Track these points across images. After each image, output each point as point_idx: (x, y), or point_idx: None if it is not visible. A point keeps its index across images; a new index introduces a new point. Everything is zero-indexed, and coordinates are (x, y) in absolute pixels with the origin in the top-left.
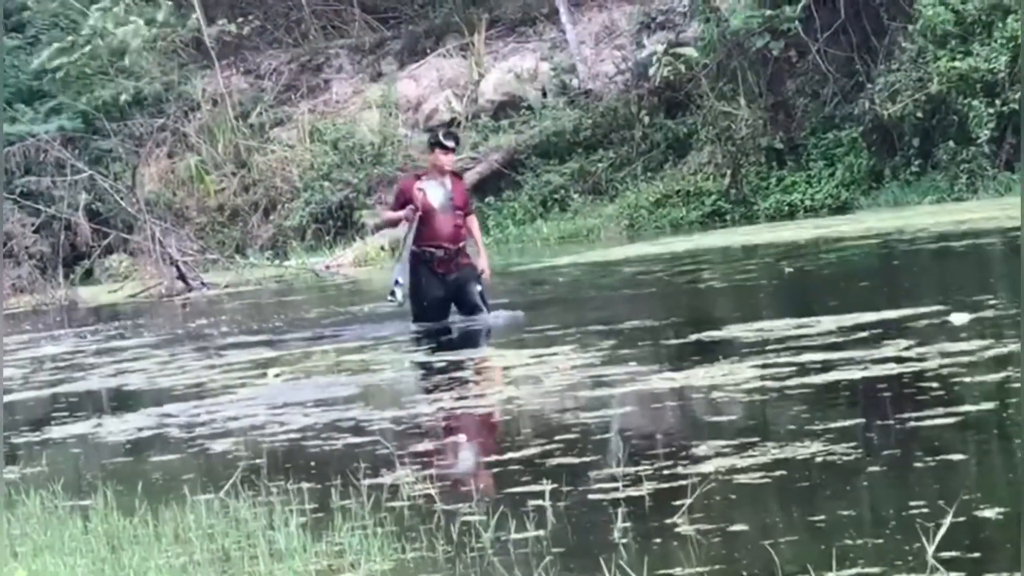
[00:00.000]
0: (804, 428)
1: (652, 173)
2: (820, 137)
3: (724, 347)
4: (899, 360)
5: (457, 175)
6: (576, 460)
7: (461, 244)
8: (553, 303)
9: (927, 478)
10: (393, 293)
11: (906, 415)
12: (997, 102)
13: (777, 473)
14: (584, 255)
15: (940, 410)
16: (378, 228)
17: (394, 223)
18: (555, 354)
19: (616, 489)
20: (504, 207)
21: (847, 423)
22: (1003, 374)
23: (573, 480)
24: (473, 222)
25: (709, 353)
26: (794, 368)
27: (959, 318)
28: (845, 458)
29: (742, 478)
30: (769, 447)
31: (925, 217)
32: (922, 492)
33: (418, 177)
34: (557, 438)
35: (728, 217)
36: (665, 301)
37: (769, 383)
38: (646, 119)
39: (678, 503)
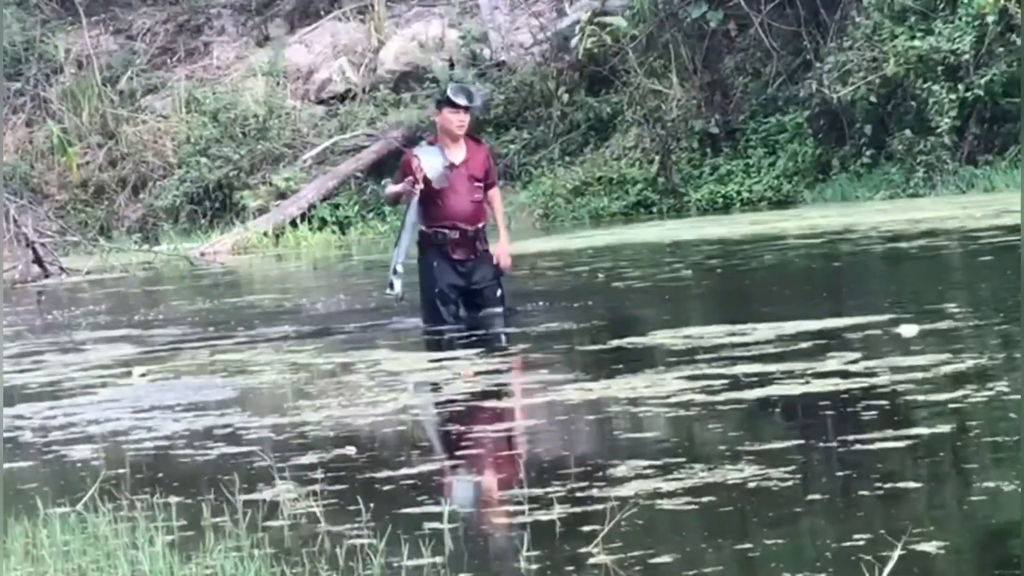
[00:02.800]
0: (736, 449)
1: (571, 157)
2: (761, 122)
3: (648, 355)
4: (844, 375)
5: (475, 139)
6: (479, 478)
7: (480, 224)
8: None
9: (872, 507)
10: (391, 285)
11: (851, 437)
12: (960, 87)
13: (705, 499)
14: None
15: (889, 432)
16: (387, 204)
17: (395, 199)
18: (457, 358)
19: (523, 512)
20: None
21: (784, 444)
22: (959, 392)
23: (475, 501)
24: (496, 197)
25: (631, 362)
26: (726, 381)
27: (908, 330)
28: (781, 484)
29: (665, 503)
30: (696, 469)
31: (876, 214)
32: (866, 523)
33: (431, 144)
34: (458, 453)
35: (655, 209)
36: (582, 302)
37: (698, 397)
38: (565, 96)
39: (593, 529)
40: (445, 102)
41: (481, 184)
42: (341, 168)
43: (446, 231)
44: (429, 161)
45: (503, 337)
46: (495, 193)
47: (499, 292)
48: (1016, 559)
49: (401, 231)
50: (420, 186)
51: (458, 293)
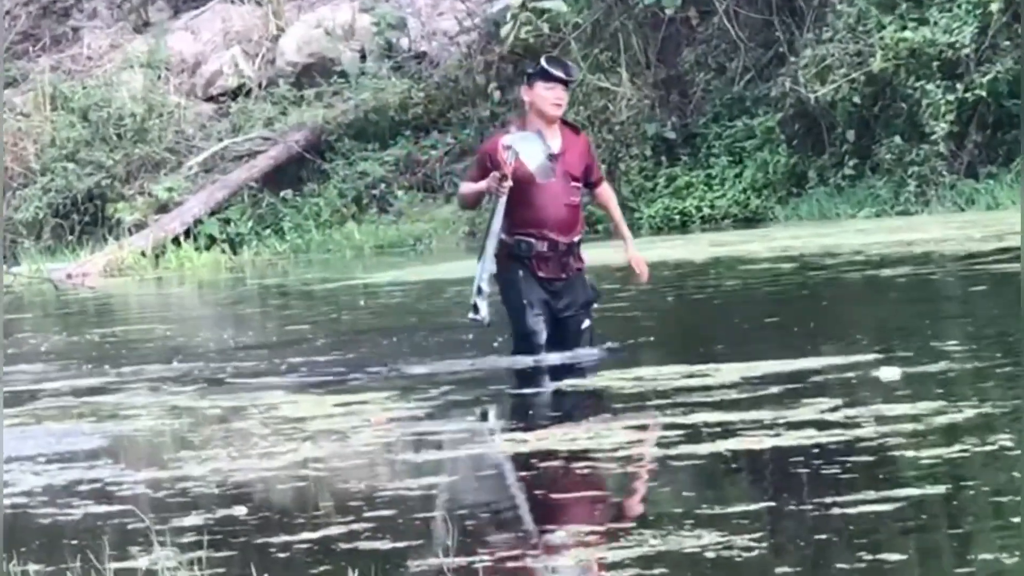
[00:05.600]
0: (694, 512)
1: None
2: (725, 126)
3: (591, 400)
4: (820, 425)
5: (572, 127)
6: (391, 545)
7: (576, 237)
8: (367, 335)
9: None
10: (476, 308)
11: (828, 499)
12: (959, 87)
13: (657, 571)
14: (410, 270)
15: (872, 493)
16: (463, 207)
17: (475, 200)
18: (366, 402)
19: None
20: (305, 204)
21: (751, 507)
22: (955, 447)
23: (387, 571)
24: (607, 194)
25: (571, 408)
26: (683, 432)
27: (889, 373)
28: (746, 553)
29: None
30: (647, 535)
31: (860, 235)
32: None
33: (508, 132)
34: (367, 514)
35: (600, 227)
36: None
37: (649, 450)
38: (496, 94)
39: None
40: (539, 74)
41: (579, 185)
42: (232, 177)
43: (532, 240)
44: (528, 149)
45: (422, 378)
46: (606, 190)
47: (586, 323)
48: None
49: (486, 240)
50: (509, 182)
51: (547, 312)
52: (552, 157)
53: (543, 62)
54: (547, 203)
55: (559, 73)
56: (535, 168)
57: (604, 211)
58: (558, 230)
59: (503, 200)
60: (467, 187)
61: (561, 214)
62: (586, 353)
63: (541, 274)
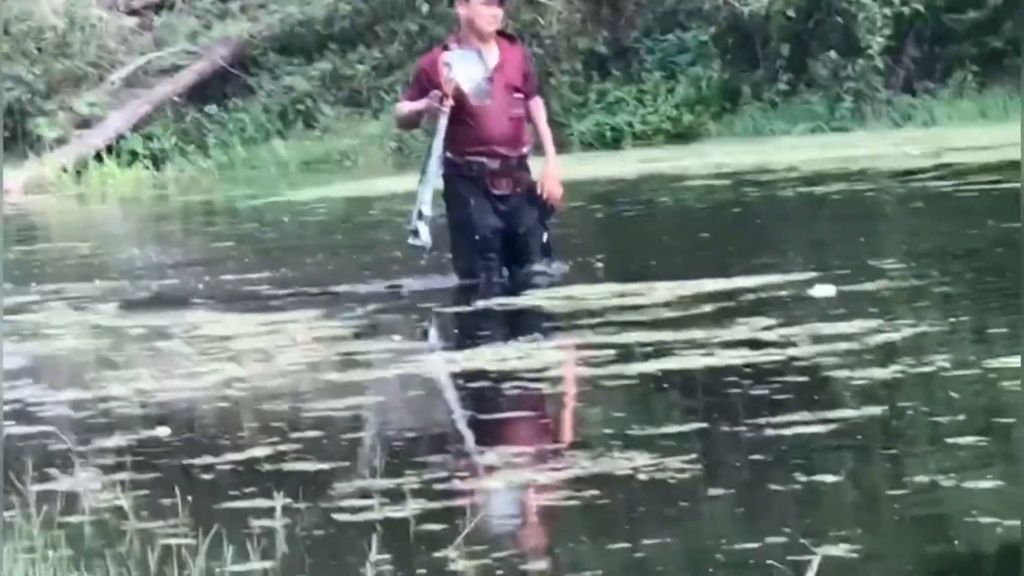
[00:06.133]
0: (626, 433)
1: None
2: (657, 40)
3: (521, 319)
4: (755, 344)
5: (509, 37)
6: (318, 466)
7: (525, 148)
8: (294, 252)
9: (787, 504)
10: (416, 232)
11: (762, 419)
12: (896, 0)
13: (587, 493)
14: (337, 187)
15: (806, 414)
16: (401, 126)
17: (413, 121)
18: (292, 321)
19: (371, 508)
20: (230, 120)
21: (683, 428)
22: (891, 368)
23: (313, 494)
24: (539, 108)
25: (501, 327)
26: (615, 351)
27: (823, 290)
28: (680, 475)
29: (540, 498)
30: (578, 458)
31: (794, 151)
32: (781, 522)
33: (446, 48)
34: (293, 436)
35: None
36: (445, 253)
37: (581, 371)
38: (424, 7)
39: (453, 529)
40: None
41: (521, 96)
42: (156, 92)
43: (483, 160)
44: (465, 69)
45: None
46: (537, 104)
47: (545, 238)
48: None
49: (426, 162)
50: (450, 102)
51: (500, 239)
52: (489, 79)
53: None
54: (492, 119)
55: None
56: (470, 89)
57: (532, 123)
58: (507, 144)
59: (444, 119)
60: (404, 106)
61: (508, 128)
62: (552, 268)
63: (496, 191)
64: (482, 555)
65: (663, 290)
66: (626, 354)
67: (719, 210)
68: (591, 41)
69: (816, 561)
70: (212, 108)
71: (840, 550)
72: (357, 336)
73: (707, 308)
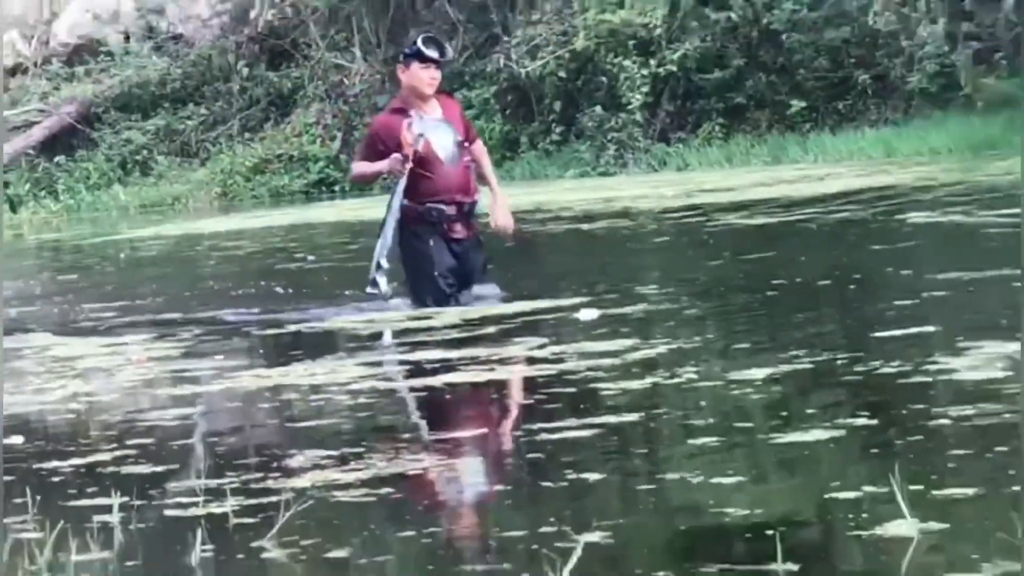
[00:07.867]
0: (417, 438)
1: (251, 133)
2: None
3: (328, 340)
4: (530, 360)
5: (447, 94)
6: (151, 469)
7: (477, 195)
8: (132, 283)
9: (557, 498)
10: (375, 283)
11: (536, 425)
12: (652, 62)
13: (384, 490)
14: (169, 227)
15: (575, 420)
16: (358, 184)
17: (372, 179)
18: (128, 343)
19: (196, 504)
20: (77, 169)
21: (467, 432)
22: (648, 380)
23: (147, 493)
24: (483, 151)
25: (310, 347)
26: (409, 366)
27: (587, 314)
28: (463, 474)
29: (343, 495)
30: (376, 460)
31: (566, 193)
32: (550, 515)
33: (399, 111)
34: (130, 442)
35: (337, 188)
36: (261, 285)
37: (379, 384)
38: (245, 70)
39: (268, 521)
40: (414, 55)
41: (468, 145)
42: (11, 145)
43: (443, 207)
44: (439, 139)
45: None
46: (480, 147)
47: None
48: (703, 549)
49: (386, 217)
50: (410, 164)
51: (456, 274)
52: (460, 144)
53: (419, 43)
54: (449, 171)
55: (434, 54)
56: (445, 156)
57: (476, 166)
58: (462, 192)
59: (403, 180)
60: (363, 166)
61: (463, 177)
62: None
63: (453, 236)
64: (292, 544)
65: (451, 314)
66: (418, 370)
67: (498, 243)
68: (389, 98)
69: (579, 547)
70: (61, 158)
71: (598, 537)
72: (185, 355)
73: (489, 329)
